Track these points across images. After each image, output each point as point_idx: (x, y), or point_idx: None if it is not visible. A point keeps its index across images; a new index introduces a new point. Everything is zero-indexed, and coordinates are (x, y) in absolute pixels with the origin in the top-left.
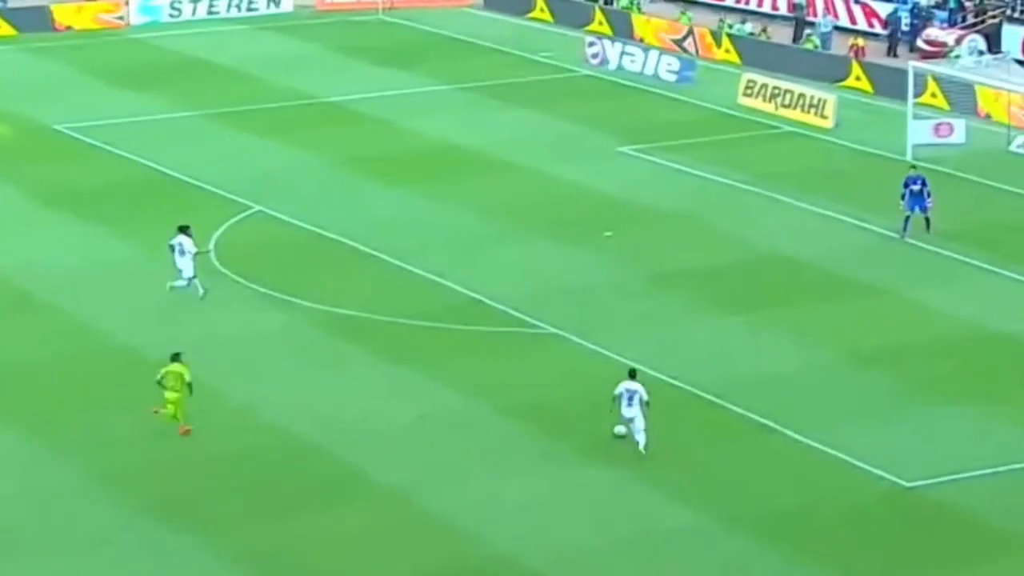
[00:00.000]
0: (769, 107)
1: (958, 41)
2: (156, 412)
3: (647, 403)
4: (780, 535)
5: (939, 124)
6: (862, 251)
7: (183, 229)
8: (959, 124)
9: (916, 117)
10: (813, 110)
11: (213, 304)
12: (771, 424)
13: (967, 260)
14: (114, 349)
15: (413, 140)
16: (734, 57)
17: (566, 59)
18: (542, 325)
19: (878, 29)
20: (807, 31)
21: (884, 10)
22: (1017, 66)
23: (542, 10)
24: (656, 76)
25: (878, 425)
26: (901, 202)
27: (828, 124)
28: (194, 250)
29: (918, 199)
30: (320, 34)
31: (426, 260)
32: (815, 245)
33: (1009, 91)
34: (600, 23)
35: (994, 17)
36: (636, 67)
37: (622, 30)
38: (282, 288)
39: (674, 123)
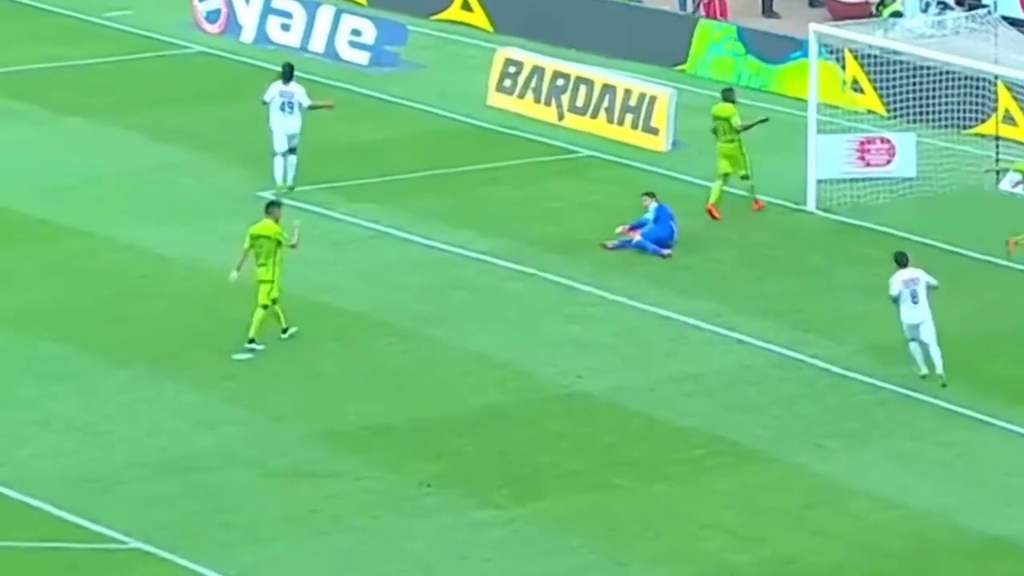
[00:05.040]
0: (547, 113)
1: None
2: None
3: (935, 288)
4: None
5: (866, 142)
6: (733, 382)
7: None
8: (904, 143)
9: (823, 130)
10: (631, 117)
11: None
12: None
13: (936, 401)
14: None
15: None
16: (481, 19)
17: (159, 23)
18: (116, 535)
19: None
20: None
21: None
22: (1012, 32)
23: None
24: (332, 54)
25: None
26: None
27: (660, 145)
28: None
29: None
30: None
31: None
32: (638, 371)
33: (1001, 80)
34: None
35: None
36: (293, 38)
37: None
38: None
39: (364, 145)
